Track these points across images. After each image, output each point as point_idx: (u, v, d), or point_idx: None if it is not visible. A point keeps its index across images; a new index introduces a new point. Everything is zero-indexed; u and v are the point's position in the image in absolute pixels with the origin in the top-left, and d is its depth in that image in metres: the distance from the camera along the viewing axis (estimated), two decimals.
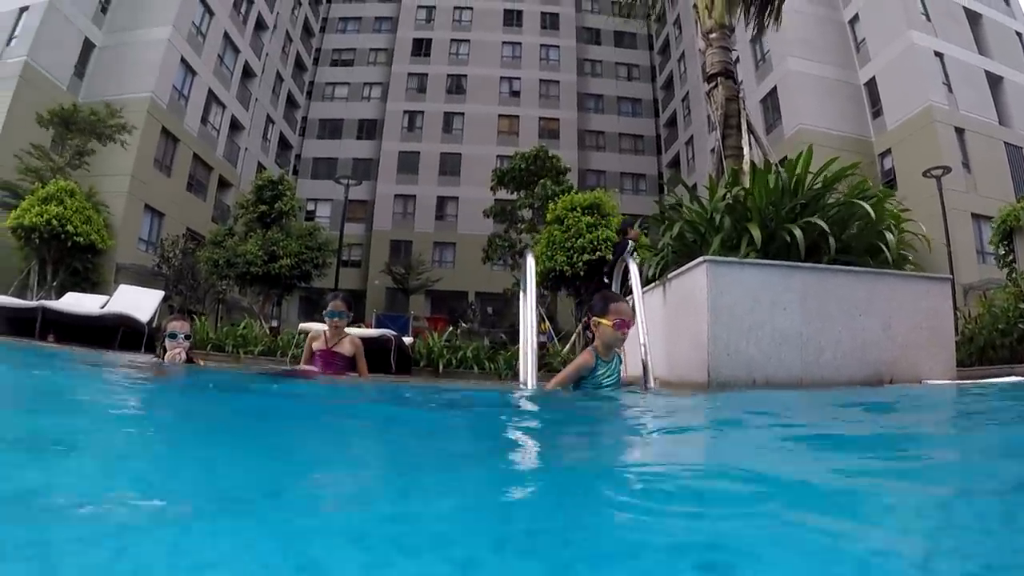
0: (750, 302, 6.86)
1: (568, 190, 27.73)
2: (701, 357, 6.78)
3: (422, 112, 64.16)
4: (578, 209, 20.43)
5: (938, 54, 37.97)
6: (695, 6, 11.25)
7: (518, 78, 65.16)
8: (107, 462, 2.42)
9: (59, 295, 22.66)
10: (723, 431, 4.11)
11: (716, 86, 10.59)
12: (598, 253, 19.05)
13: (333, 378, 7.38)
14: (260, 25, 53.41)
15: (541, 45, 66.64)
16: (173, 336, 7.10)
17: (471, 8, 68.19)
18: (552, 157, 32.54)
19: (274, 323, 28.40)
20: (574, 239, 19.65)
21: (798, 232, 7.16)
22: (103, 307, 15.62)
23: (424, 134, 63.24)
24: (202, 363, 8.79)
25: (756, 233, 7.31)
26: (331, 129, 66.70)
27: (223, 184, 48.31)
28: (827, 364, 6.92)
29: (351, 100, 67.71)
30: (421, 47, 67.25)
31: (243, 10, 50.06)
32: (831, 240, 7.29)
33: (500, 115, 63.43)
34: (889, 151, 37.68)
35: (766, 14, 12.83)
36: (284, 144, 62.63)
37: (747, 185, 8.31)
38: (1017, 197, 29.23)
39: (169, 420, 4.00)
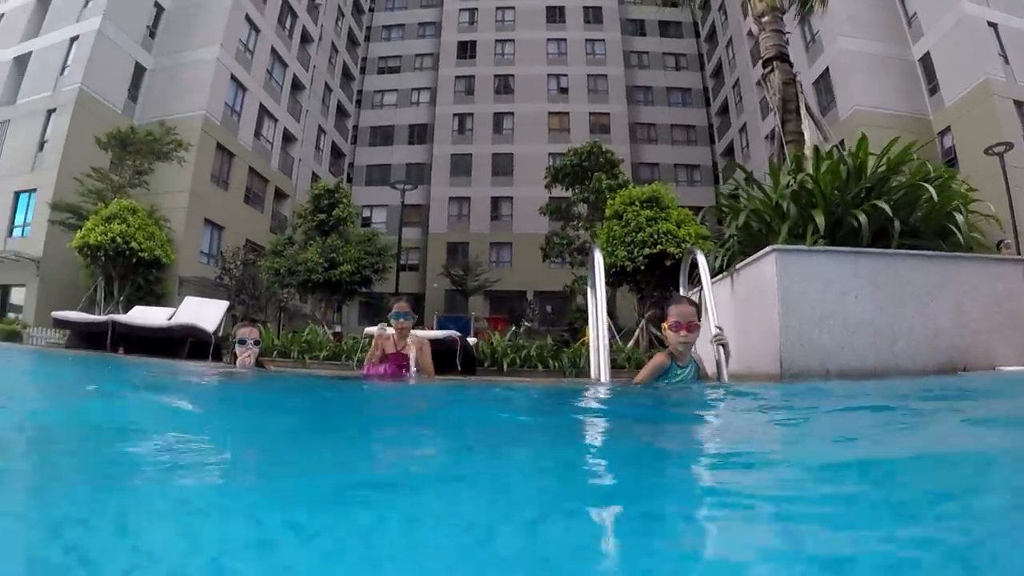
0: (821, 290, 6.79)
1: (624, 184, 27.57)
2: (773, 348, 6.73)
3: (471, 114, 64.19)
4: (636, 203, 20.27)
5: (991, 24, 36.73)
6: None
7: (565, 74, 64.89)
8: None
9: (126, 309, 23.05)
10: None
11: (772, 70, 10.49)
12: (659, 247, 18.91)
13: (407, 379, 7.42)
14: (306, 38, 53.83)
15: (586, 40, 66.23)
16: (243, 342, 7.23)
17: (513, 8, 68.01)
18: (605, 151, 32.38)
19: (337, 328, 28.54)
20: (634, 233, 19.48)
21: (863, 217, 7.08)
22: (170, 319, 15.85)
23: (475, 136, 63.26)
24: (271, 368, 8.92)
25: (821, 220, 7.24)
26: (382, 136, 67.04)
27: (279, 195, 48.82)
28: (900, 352, 6.82)
29: (400, 106, 67.94)
30: (466, 49, 67.27)
31: (288, 25, 50.51)
32: (897, 224, 7.20)
33: (550, 112, 63.19)
34: (948, 129, 36.56)
35: None
36: (337, 153, 63.10)
37: (810, 170, 8.23)
38: None
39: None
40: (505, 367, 15.99)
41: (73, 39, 37.93)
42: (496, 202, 60.40)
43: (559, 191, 34.74)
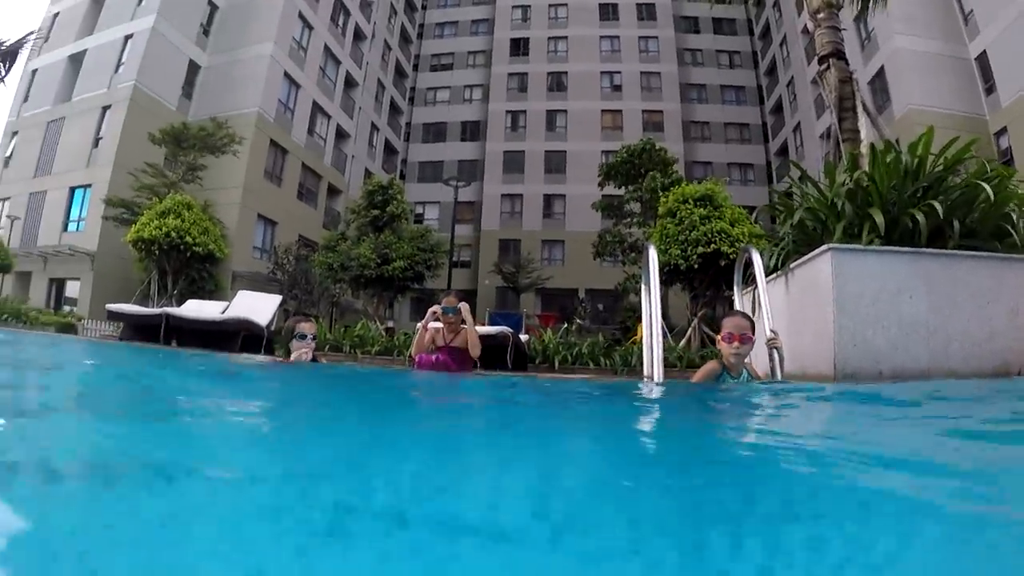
0: (876, 291, 6.69)
1: (677, 182, 27.43)
2: (827, 348, 6.65)
3: (524, 111, 64.24)
4: (690, 201, 20.17)
5: None
6: None
7: (618, 72, 64.67)
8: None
9: (179, 303, 23.33)
10: None
11: (828, 68, 10.36)
12: (713, 245, 18.80)
13: (460, 375, 7.43)
14: (358, 36, 54.17)
15: (639, 37, 65.95)
16: (303, 337, 7.26)
17: (566, 5, 67.96)
18: (659, 149, 32.26)
19: (389, 324, 28.70)
20: (687, 232, 19.39)
21: (921, 217, 6.98)
22: (223, 312, 15.97)
23: (528, 133, 63.31)
24: (324, 360, 8.99)
25: (879, 218, 7.13)
26: (435, 133, 67.36)
27: (332, 191, 49.22)
28: (954, 354, 6.69)
29: (453, 103, 68.23)
30: (519, 47, 67.34)
31: (341, 22, 50.87)
32: (955, 224, 7.10)
33: (603, 110, 63.03)
34: (1005, 129, 35.79)
35: None
36: (390, 149, 63.45)
37: (866, 169, 8.14)
38: None
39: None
40: (556, 364, 15.99)
41: (127, 37, 38.57)
42: (548, 199, 60.40)
43: (611, 189, 34.65)
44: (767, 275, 8.35)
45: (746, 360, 5.74)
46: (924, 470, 2.42)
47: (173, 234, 28.19)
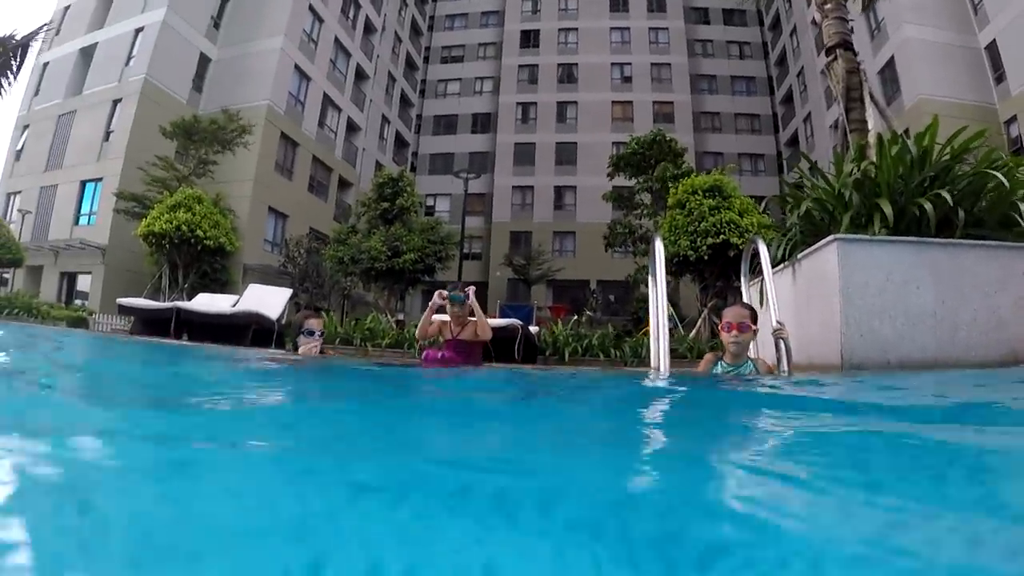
0: (882, 280, 6.70)
1: (688, 173, 27.39)
2: (833, 338, 6.66)
3: (535, 103, 64.17)
4: (699, 192, 20.19)
5: None
6: None
7: (629, 63, 64.55)
8: None
9: (190, 297, 23.39)
10: None
11: (835, 59, 10.34)
12: (722, 236, 18.80)
13: (468, 368, 7.41)
14: (369, 28, 54.23)
15: (649, 28, 65.80)
16: (311, 332, 7.30)
17: None
18: (670, 140, 32.21)
19: (399, 316, 28.75)
20: (697, 223, 19.41)
21: (928, 206, 6.97)
22: (234, 306, 16.00)
23: (538, 124, 63.23)
24: (332, 354, 9.03)
25: (887, 209, 7.11)
26: (446, 125, 67.40)
27: (343, 184, 49.32)
28: (961, 343, 6.70)
29: (463, 95, 68.24)
30: (529, 39, 67.26)
31: (351, 15, 50.90)
32: (962, 213, 7.09)
33: (613, 101, 62.92)
34: (1015, 118, 35.76)
35: None
36: (400, 142, 63.55)
37: (874, 159, 8.13)
38: None
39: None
40: (567, 356, 16.01)
41: (138, 30, 38.69)
42: (559, 191, 60.41)
43: (621, 180, 34.61)
44: (775, 266, 8.36)
45: (753, 355, 5.81)
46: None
47: (184, 228, 28.19)
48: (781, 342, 5.98)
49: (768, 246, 7.49)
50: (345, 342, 17.37)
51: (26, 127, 41.93)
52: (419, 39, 70.00)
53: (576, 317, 23.13)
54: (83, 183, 36.98)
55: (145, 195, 31.46)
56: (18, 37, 26.26)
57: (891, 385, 5.29)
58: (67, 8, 43.17)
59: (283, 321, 15.22)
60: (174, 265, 29.81)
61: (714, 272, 19.79)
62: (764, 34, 67.71)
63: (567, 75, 65.17)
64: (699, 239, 19.14)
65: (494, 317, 18.26)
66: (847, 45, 10.35)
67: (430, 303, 7.52)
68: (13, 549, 1.15)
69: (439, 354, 7.59)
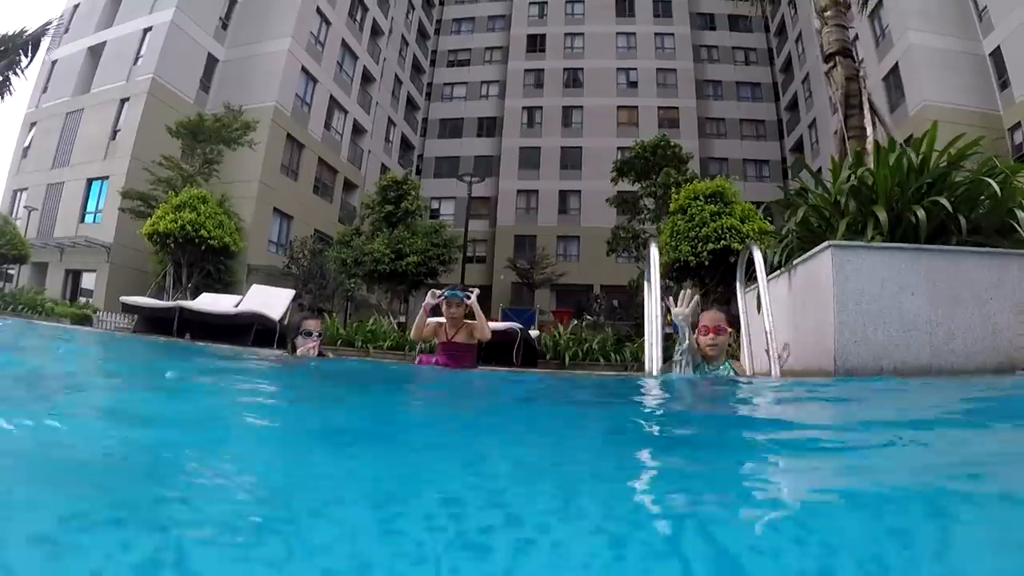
0: (877, 287, 6.72)
1: (692, 178, 27.43)
2: (827, 345, 6.68)
3: (540, 107, 64.24)
4: (700, 198, 20.23)
5: None
6: None
7: (634, 68, 64.62)
8: None
9: (193, 296, 23.44)
10: None
11: (834, 66, 10.40)
12: (723, 242, 18.84)
13: (462, 370, 7.43)
14: (376, 31, 54.28)
15: (655, 34, 65.85)
16: (308, 334, 7.40)
17: (583, 1, 67.97)
18: (673, 146, 32.23)
19: (402, 319, 28.78)
20: (698, 228, 19.45)
21: (922, 213, 7.02)
22: (237, 306, 16.06)
23: (544, 129, 63.30)
24: (331, 355, 9.10)
25: (882, 215, 7.15)
26: (451, 128, 67.40)
27: (348, 186, 49.36)
28: (957, 351, 6.69)
29: (469, 99, 68.29)
30: (536, 43, 67.35)
31: (359, 17, 50.97)
32: (961, 220, 7.12)
33: (619, 107, 62.99)
34: (1019, 124, 35.65)
35: None
36: (406, 145, 63.59)
37: (871, 166, 8.18)
38: None
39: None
40: (567, 360, 16.07)
41: (146, 30, 38.80)
42: (564, 196, 60.38)
43: (625, 184, 34.65)
44: (772, 272, 8.41)
45: (735, 361, 6.19)
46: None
47: (188, 227, 28.21)
48: (775, 351, 6.12)
49: (766, 252, 7.55)
50: (347, 344, 17.46)
51: (33, 124, 42.00)
52: (426, 42, 70.06)
53: (575, 321, 23.21)
54: (89, 181, 37.06)
55: (151, 194, 31.49)
56: (28, 32, 26.45)
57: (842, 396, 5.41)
58: (76, 6, 43.26)
59: (286, 322, 15.27)
60: (178, 264, 29.88)
61: (715, 277, 19.82)
62: (770, 40, 67.71)
63: (573, 80, 65.23)
64: (700, 245, 19.17)
65: (496, 321, 18.32)
66: (846, 52, 10.41)
67: (424, 303, 7.54)
68: None
69: (433, 359, 7.64)
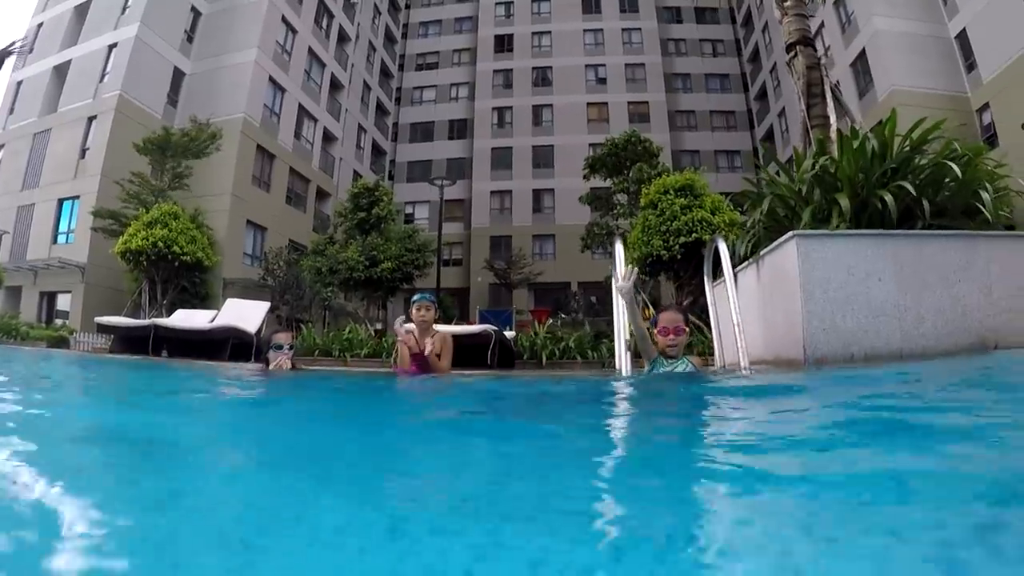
0: (844, 274, 6.72)
1: (663, 172, 27.47)
2: (796, 334, 6.69)
3: (511, 107, 64.37)
4: (671, 192, 20.24)
5: None
6: None
7: (603, 64, 64.85)
8: None
9: (170, 312, 23.38)
10: None
11: (795, 55, 10.44)
12: (694, 235, 18.86)
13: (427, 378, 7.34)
14: (343, 37, 54.15)
15: (623, 29, 66.15)
16: (279, 347, 7.42)
17: (548, 0, 68.18)
18: (644, 140, 32.28)
19: (378, 326, 28.72)
20: (669, 222, 19.46)
21: (889, 198, 7.02)
22: (212, 321, 16.05)
23: (515, 129, 63.43)
24: (303, 368, 9.10)
25: (844, 203, 7.17)
26: (423, 132, 67.47)
27: (321, 195, 49.26)
28: (928, 333, 6.70)
29: (439, 102, 68.40)
30: (503, 43, 67.50)
31: (324, 24, 50.81)
32: (925, 204, 7.14)
33: (588, 103, 63.22)
34: (987, 105, 35.85)
35: None
36: (378, 151, 63.47)
37: (835, 154, 8.20)
38: None
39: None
40: (544, 360, 16.07)
41: (111, 46, 38.56)
42: (538, 194, 60.53)
43: (598, 181, 34.70)
44: (740, 263, 8.43)
45: (693, 357, 6.37)
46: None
47: (160, 244, 28.11)
48: (741, 339, 6.25)
49: (734, 244, 7.56)
50: (324, 354, 17.40)
51: (1, 146, 41.72)
52: (393, 47, 69.96)
53: (550, 320, 23.23)
54: (60, 201, 36.79)
55: (122, 212, 31.33)
56: None
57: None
58: (40, 25, 43.02)
59: (262, 335, 15.23)
60: (153, 281, 29.74)
61: (688, 270, 19.86)
62: (737, 31, 68.03)
63: (542, 78, 65.37)
64: (671, 238, 19.16)
65: (474, 323, 18.27)
66: (807, 41, 10.44)
67: (398, 339, 7.49)
68: None
69: (411, 369, 7.60)
